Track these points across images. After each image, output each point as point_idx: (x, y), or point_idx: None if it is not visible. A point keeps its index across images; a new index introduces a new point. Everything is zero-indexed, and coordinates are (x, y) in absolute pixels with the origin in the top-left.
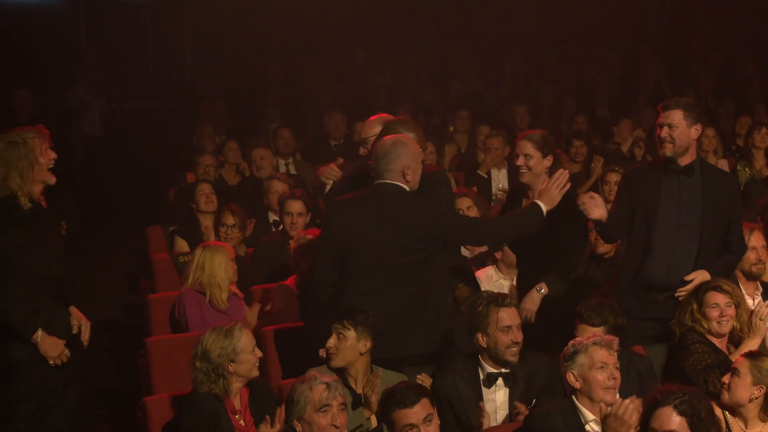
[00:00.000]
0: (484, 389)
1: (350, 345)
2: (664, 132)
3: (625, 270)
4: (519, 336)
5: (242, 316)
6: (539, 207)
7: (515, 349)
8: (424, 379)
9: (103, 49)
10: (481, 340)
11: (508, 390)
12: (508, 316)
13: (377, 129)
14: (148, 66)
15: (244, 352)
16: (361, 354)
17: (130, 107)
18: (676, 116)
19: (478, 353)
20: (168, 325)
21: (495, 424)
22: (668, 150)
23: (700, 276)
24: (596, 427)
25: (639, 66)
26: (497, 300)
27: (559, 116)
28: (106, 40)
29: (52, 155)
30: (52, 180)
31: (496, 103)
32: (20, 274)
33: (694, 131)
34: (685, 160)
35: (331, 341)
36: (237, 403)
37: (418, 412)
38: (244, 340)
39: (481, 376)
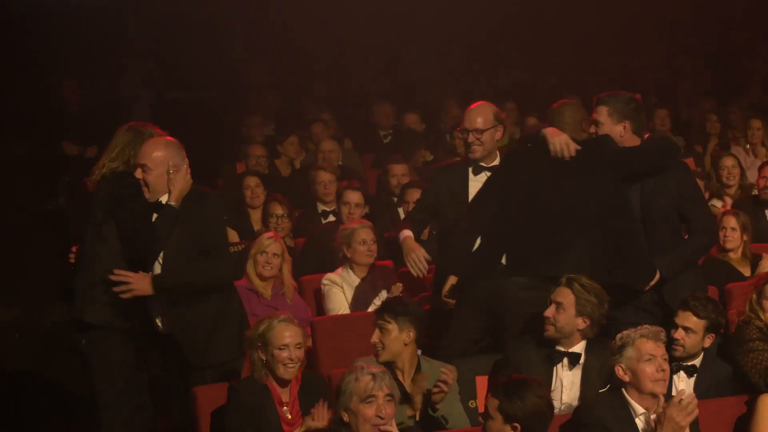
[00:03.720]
0: (555, 368)
1: (394, 338)
2: (591, 129)
3: None
4: (583, 323)
5: (294, 306)
6: None
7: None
8: (448, 373)
9: (152, 39)
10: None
11: (578, 372)
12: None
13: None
14: (196, 56)
15: (275, 347)
16: (405, 345)
17: (178, 97)
18: (602, 113)
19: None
20: None
21: (560, 405)
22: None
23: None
24: (645, 421)
25: (680, 56)
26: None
27: None
28: (154, 30)
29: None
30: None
31: (543, 94)
32: None
33: (621, 128)
34: None
35: (375, 336)
36: (285, 394)
37: None
38: (276, 333)
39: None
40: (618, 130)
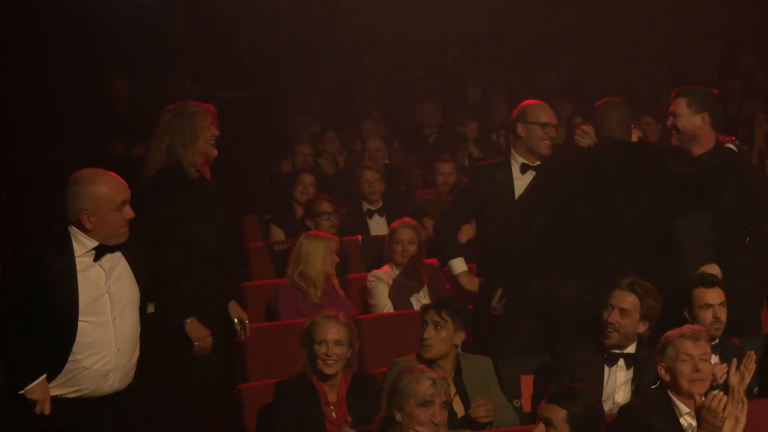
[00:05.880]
0: (605, 368)
1: (446, 336)
2: (669, 121)
3: None
4: (643, 327)
5: (337, 304)
6: None
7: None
8: (485, 403)
9: (199, 38)
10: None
11: (630, 372)
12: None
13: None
14: (243, 55)
15: (315, 343)
16: (454, 345)
17: (224, 96)
18: (680, 104)
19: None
20: (263, 312)
21: (612, 404)
22: (674, 139)
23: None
24: (690, 420)
25: (734, 55)
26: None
27: (656, 105)
28: (202, 29)
29: (215, 132)
30: (213, 153)
31: (591, 93)
32: (179, 242)
33: (700, 119)
34: (696, 150)
35: (429, 332)
36: (333, 394)
37: None
38: (318, 329)
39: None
40: (696, 121)
